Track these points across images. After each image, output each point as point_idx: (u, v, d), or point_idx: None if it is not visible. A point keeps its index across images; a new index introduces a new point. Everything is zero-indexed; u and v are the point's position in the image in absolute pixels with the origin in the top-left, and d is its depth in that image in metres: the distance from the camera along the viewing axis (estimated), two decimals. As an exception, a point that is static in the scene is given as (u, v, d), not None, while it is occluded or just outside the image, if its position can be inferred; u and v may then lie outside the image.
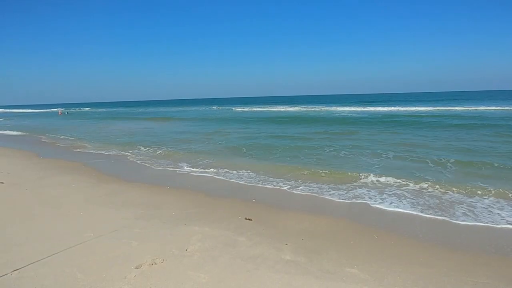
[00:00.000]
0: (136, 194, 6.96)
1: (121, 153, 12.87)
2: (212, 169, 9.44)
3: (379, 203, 6.27)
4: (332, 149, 12.11)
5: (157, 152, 12.51)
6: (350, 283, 3.46)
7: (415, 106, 40.15)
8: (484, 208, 5.85)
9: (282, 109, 45.82)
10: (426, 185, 7.20)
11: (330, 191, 7.04)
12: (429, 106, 37.52)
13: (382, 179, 7.75)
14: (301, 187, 7.38)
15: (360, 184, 7.50)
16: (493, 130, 16.00)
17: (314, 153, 11.52)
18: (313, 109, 43.09)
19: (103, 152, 13.09)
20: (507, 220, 5.29)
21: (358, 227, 5.13)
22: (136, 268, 3.67)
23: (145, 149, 13.20)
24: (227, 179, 8.30)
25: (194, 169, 9.57)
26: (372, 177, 7.91)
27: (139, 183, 7.98)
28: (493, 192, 6.56)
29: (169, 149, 13.21)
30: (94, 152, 13.27)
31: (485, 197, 6.38)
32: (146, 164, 10.50)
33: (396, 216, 5.63)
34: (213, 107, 64.54)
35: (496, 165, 8.78)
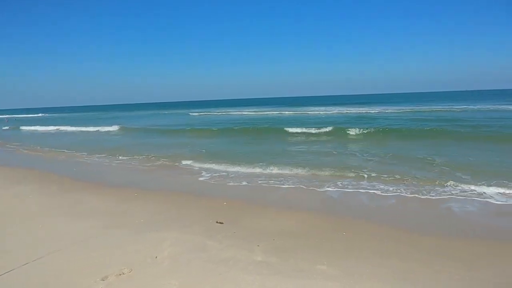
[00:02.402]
0: (101, 201, 6.66)
1: (84, 159, 12.29)
2: (179, 171, 9.29)
3: (350, 198, 6.48)
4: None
5: (118, 157, 12.06)
6: (320, 280, 3.53)
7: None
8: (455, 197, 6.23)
9: (244, 112, 40.93)
10: (396, 181, 7.54)
11: (302, 188, 7.19)
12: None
13: (354, 176, 8.03)
14: (276, 187, 7.46)
15: (334, 180, 7.75)
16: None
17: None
18: (287, 112, 39.34)
19: (62, 158, 12.44)
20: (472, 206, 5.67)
21: (327, 224, 5.25)
22: (102, 280, 3.51)
23: (104, 154, 12.71)
24: (197, 181, 8.19)
25: (161, 172, 9.36)
26: (347, 175, 8.19)
27: (106, 188, 7.66)
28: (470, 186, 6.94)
29: (127, 152, 12.81)
30: (57, 158, 12.58)
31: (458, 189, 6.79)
32: (113, 170, 10.11)
33: (366, 209, 5.85)
34: (164, 111, 58.11)
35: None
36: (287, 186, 7.51)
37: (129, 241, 4.54)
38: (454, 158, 9.54)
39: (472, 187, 6.80)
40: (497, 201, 6.13)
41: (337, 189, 7.16)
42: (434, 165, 8.94)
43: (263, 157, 10.75)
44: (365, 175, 8.08)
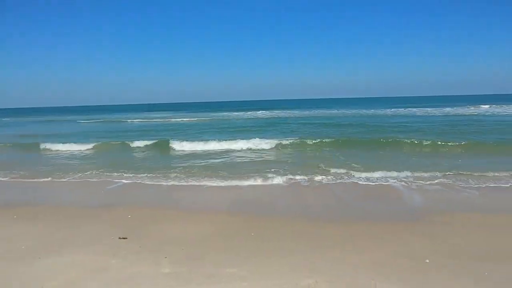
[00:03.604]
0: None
1: None
2: (73, 184, 8.28)
3: (256, 195, 6.81)
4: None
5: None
6: (230, 282, 3.58)
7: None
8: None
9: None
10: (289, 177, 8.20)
11: (210, 192, 7.22)
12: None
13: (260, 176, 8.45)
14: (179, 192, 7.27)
15: (241, 182, 8.09)
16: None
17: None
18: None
19: None
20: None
21: (236, 225, 5.38)
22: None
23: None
24: (97, 194, 7.41)
25: (48, 186, 8.18)
26: (252, 175, 8.56)
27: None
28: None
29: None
30: None
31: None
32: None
33: (270, 203, 6.22)
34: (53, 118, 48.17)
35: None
36: (195, 192, 7.46)
37: (7, 275, 3.81)
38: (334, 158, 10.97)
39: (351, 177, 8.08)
40: (369, 183, 7.55)
41: (244, 185, 7.51)
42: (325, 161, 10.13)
43: (159, 166, 10.36)
44: (264, 174, 8.62)
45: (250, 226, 5.29)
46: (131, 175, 9.06)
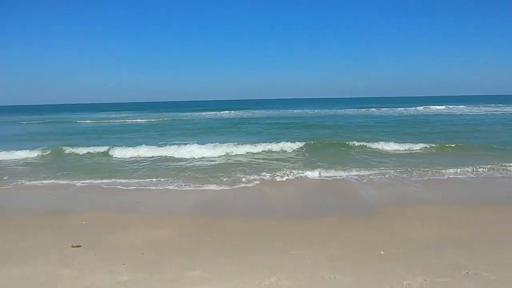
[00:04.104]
0: None
1: None
2: (16, 190, 7.63)
3: (219, 195, 6.74)
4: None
5: None
6: (192, 286, 3.51)
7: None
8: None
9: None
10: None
11: (172, 193, 7.04)
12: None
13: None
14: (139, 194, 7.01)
15: (204, 182, 8.02)
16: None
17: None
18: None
19: None
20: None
21: (198, 228, 5.29)
22: None
23: None
24: (44, 199, 6.89)
25: None
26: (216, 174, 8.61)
27: None
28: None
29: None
30: None
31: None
32: None
33: (234, 203, 6.20)
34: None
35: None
36: (155, 196, 7.22)
37: None
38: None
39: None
40: (327, 180, 7.76)
41: (206, 188, 7.42)
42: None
43: (113, 170, 9.91)
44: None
45: (213, 227, 5.23)
46: (84, 180, 8.51)
